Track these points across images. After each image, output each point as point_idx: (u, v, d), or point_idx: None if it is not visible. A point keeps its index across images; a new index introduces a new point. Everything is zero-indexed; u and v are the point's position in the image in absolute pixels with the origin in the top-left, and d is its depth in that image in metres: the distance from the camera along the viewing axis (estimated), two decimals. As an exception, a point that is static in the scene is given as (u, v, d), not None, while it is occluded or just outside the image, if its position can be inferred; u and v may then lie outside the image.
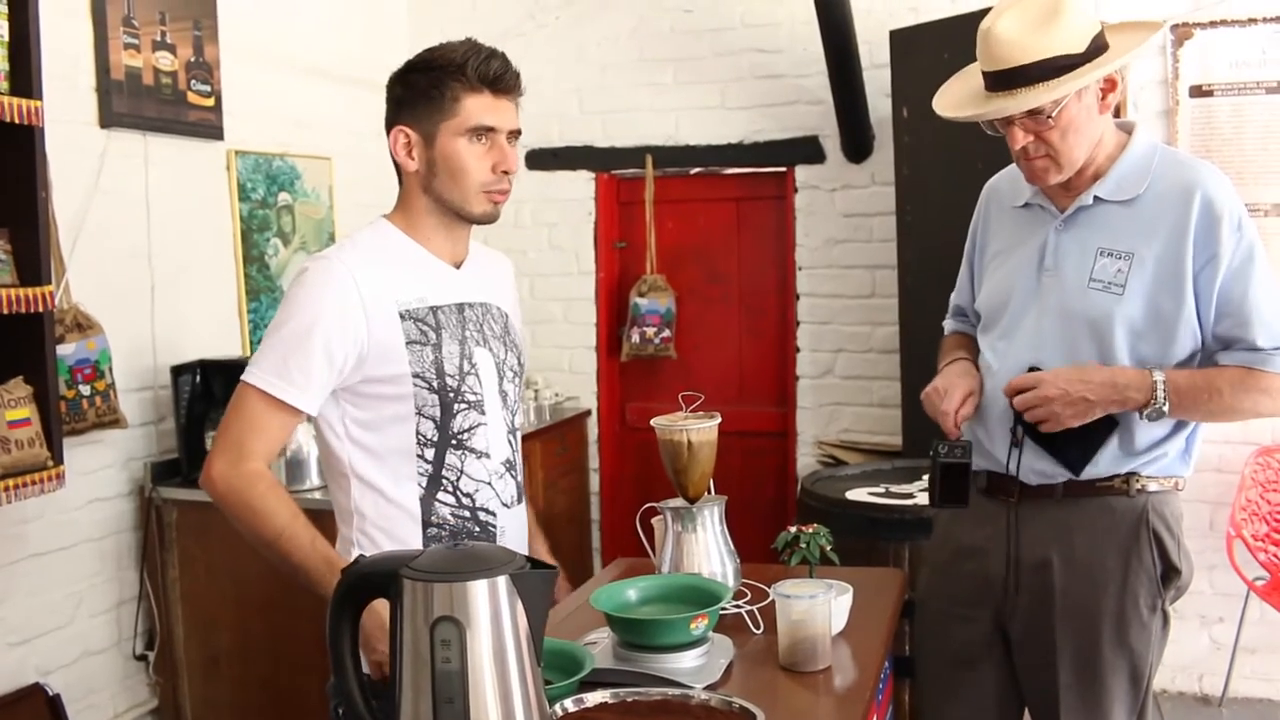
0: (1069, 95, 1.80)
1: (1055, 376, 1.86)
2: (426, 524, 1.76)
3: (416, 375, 1.73)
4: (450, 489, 1.78)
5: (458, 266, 1.85)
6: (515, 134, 1.81)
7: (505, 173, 1.79)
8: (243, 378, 1.71)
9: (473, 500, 1.80)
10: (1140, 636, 1.92)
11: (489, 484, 1.82)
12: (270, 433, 1.71)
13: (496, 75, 1.76)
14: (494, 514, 1.82)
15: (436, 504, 1.77)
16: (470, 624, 1.20)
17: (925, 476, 1.99)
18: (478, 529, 1.80)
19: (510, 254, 4.77)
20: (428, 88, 1.74)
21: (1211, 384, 1.85)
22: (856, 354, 4.23)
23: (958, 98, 1.97)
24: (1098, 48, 1.83)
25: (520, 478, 1.91)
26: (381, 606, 1.35)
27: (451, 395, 1.76)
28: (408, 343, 1.73)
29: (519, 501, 1.89)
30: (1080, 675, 1.94)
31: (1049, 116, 1.82)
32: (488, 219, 1.82)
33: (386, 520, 1.75)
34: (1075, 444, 1.90)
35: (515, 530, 1.87)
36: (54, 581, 2.93)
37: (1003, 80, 1.83)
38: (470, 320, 1.82)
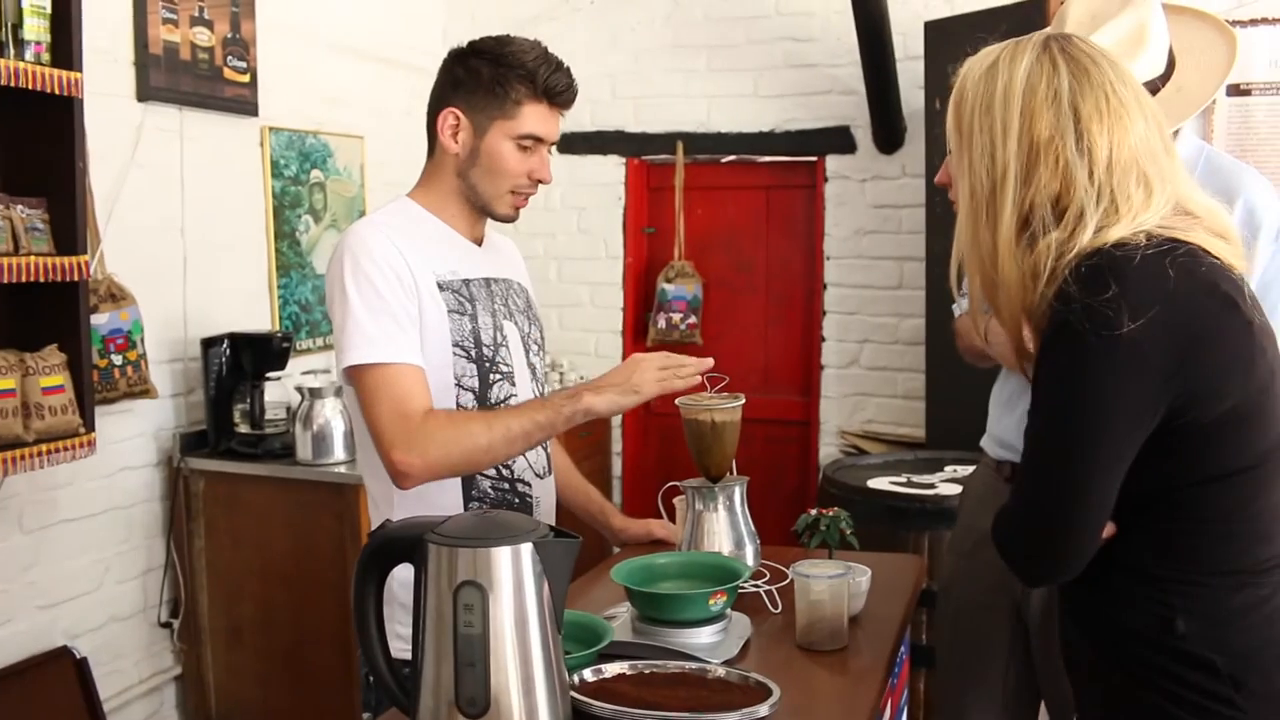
0: None
1: None
2: (469, 497, 1.78)
3: (457, 344, 1.75)
4: None
5: (478, 244, 1.88)
6: (554, 144, 1.84)
7: (539, 181, 1.81)
8: (348, 366, 1.67)
9: (511, 471, 1.82)
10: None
11: (524, 454, 1.84)
12: (414, 391, 1.67)
13: (560, 89, 1.79)
14: (529, 484, 1.85)
15: (478, 476, 1.78)
16: (493, 589, 1.22)
17: None
18: (517, 501, 1.82)
19: (539, 237, 4.80)
20: (492, 82, 1.76)
21: None
22: (882, 345, 4.23)
23: None
24: (1171, 62, 1.81)
25: (549, 449, 1.93)
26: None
27: (488, 365, 1.78)
28: (449, 311, 1.75)
29: (549, 472, 1.92)
30: (1098, 667, 1.94)
31: None
32: (507, 219, 1.86)
33: (426, 494, 1.73)
34: None
35: (547, 501, 1.90)
36: (83, 547, 2.97)
37: None
38: (497, 295, 1.85)
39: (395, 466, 1.65)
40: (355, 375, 1.69)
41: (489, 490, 1.79)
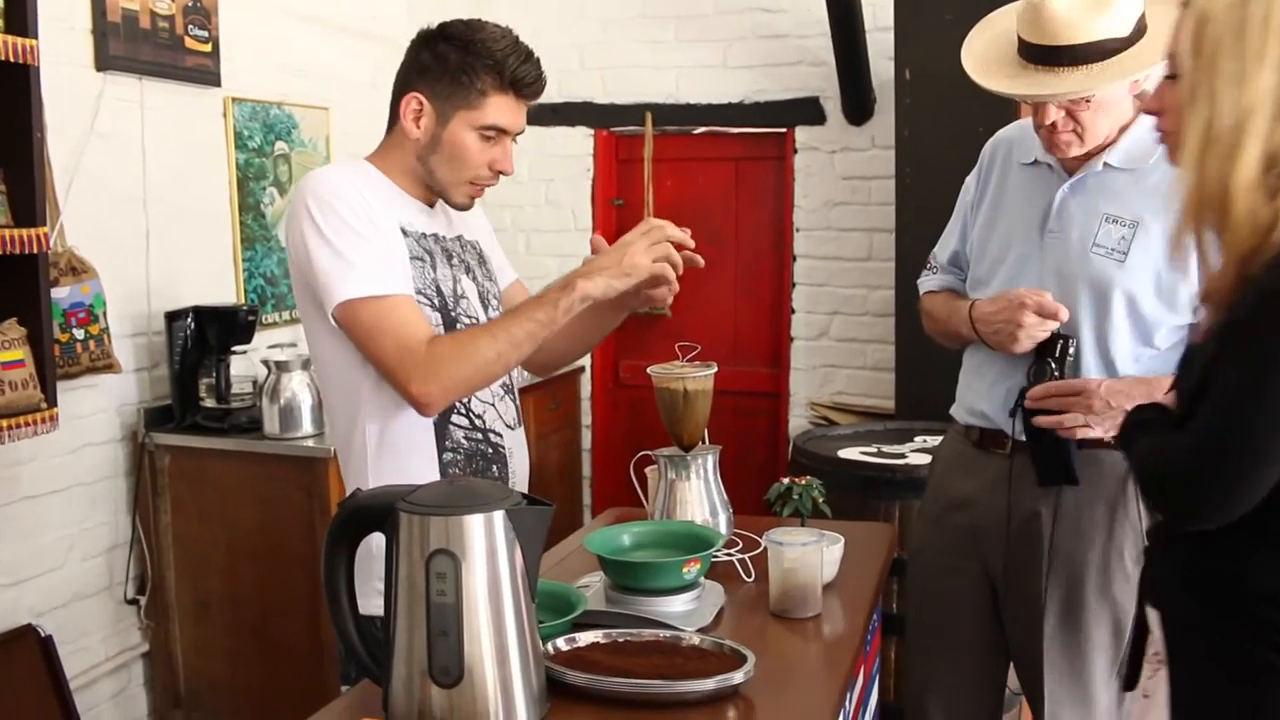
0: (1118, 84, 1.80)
1: (1108, 392, 1.86)
2: (442, 449, 1.76)
3: (420, 291, 1.72)
4: (463, 410, 1.78)
5: (431, 206, 1.86)
6: (518, 134, 1.81)
7: (500, 173, 1.79)
8: (341, 302, 1.63)
9: (483, 421, 1.81)
10: (1123, 589, 1.95)
11: (493, 405, 1.84)
12: (412, 319, 1.65)
13: (529, 81, 1.75)
14: (500, 435, 1.85)
15: (451, 427, 1.77)
16: (466, 557, 1.22)
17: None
18: (490, 450, 1.82)
19: (507, 209, 4.77)
20: (457, 69, 1.72)
21: None
22: (852, 316, 4.24)
23: (989, 64, 1.93)
24: (1140, 29, 1.82)
25: (518, 401, 1.92)
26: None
27: (452, 315, 1.76)
28: (412, 258, 1.73)
29: (520, 424, 1.91)
30: (1064, 626, 1.97)
31: (1087, 99, 1.82)
32: (461, 208, 1.84)
33: (398, 450, 1.72)
34: (1052, 457, 1.92)
35: (520, 452, 1.89)
36: (46, 524, 2.93)
37: (1048, 56, 1.81)
38: (454, 252, 1.84)
39: (415, 399, 1.64)
40: (348, 312, 1.64)
41: (462, 440, 1.78)
